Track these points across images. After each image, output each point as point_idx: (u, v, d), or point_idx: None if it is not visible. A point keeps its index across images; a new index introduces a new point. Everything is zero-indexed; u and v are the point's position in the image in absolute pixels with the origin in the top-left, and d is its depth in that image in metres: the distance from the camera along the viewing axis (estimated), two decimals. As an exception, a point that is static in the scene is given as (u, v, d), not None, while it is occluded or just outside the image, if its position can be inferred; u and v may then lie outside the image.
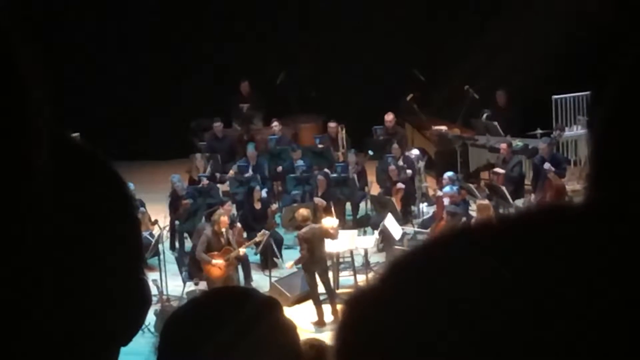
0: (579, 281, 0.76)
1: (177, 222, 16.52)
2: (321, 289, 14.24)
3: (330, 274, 14.61)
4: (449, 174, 16.50)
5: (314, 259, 14.16)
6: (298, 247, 14.77)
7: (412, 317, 0.77)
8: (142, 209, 15.59)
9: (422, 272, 0.81)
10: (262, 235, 15.20)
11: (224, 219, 14.65)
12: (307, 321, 13.71)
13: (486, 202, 15.51)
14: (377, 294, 0.82)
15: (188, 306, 2.10)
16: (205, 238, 14.59)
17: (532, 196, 16.81)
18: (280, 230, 16.48)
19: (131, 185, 14.40)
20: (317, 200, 16.54)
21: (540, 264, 0.77)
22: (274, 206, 16.84)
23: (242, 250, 14.72)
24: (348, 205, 17.44)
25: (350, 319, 0.83)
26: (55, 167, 1.19)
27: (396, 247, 15.18)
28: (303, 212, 14.63)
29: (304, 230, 14.20)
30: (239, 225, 15.50)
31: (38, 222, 1.11)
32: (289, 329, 2.03)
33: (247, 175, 17.63)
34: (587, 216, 0.82)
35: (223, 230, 14.61)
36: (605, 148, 0.90)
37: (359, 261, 15.37)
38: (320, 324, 13.86)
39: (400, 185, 17.03)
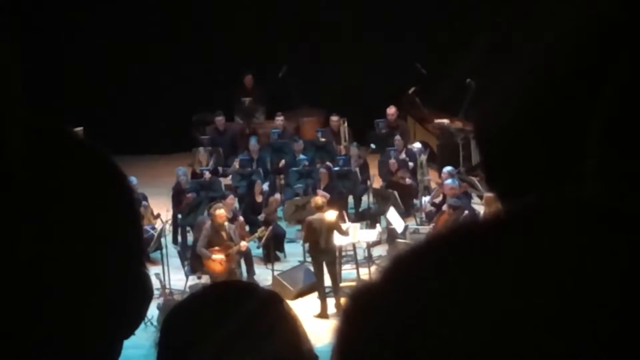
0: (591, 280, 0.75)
1: (179, 216, 16.51)
2: (327, 281, 14.24)
3: (334, 267, 14.65)
4: (447, 168, 16.50)
5: (319, 248, 14.18)
6: (300, 241, 14.77)
7: (414, 313, 0.77)
8: (144, 202, 15.59)
9: (424, 266, 0.81)
10: (262, 231, 15.19)
11: (219, 213, 14.47)
12: (309, 314, 13.71)
13: (493, 194, 15.46)
14: (380, 289, 0.81)
15: (188, 301, 2.09)
16: (206, 233, 14.52)
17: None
18: (283, 224, 16.47)
19: (134, 179, 14.47)
20: (320, 193, 16.54)
21: (545, 265, 0.76)
22: (277, 195, 16.86)
23: (243, 244, 14.64)
24: (350, 199, 17.44)
25: (352, 313, 0.83)
26: (55, 161, 1.19)
27: (399, 240, 15.19)
28: (318, 200, 14.72)
29: (313, 217, 14.28)
30: (241, 218, 15.49)
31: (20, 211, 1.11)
32: (292, 323, 2.01)
33: (249, 168, 17.62)
34: (591, 216, 0.81)
35: (224, 223, 14.51)
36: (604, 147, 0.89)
37: (361, 254, 15.38)
38: (323, 317, 13.85)
39: (407, 180, 17.08)
